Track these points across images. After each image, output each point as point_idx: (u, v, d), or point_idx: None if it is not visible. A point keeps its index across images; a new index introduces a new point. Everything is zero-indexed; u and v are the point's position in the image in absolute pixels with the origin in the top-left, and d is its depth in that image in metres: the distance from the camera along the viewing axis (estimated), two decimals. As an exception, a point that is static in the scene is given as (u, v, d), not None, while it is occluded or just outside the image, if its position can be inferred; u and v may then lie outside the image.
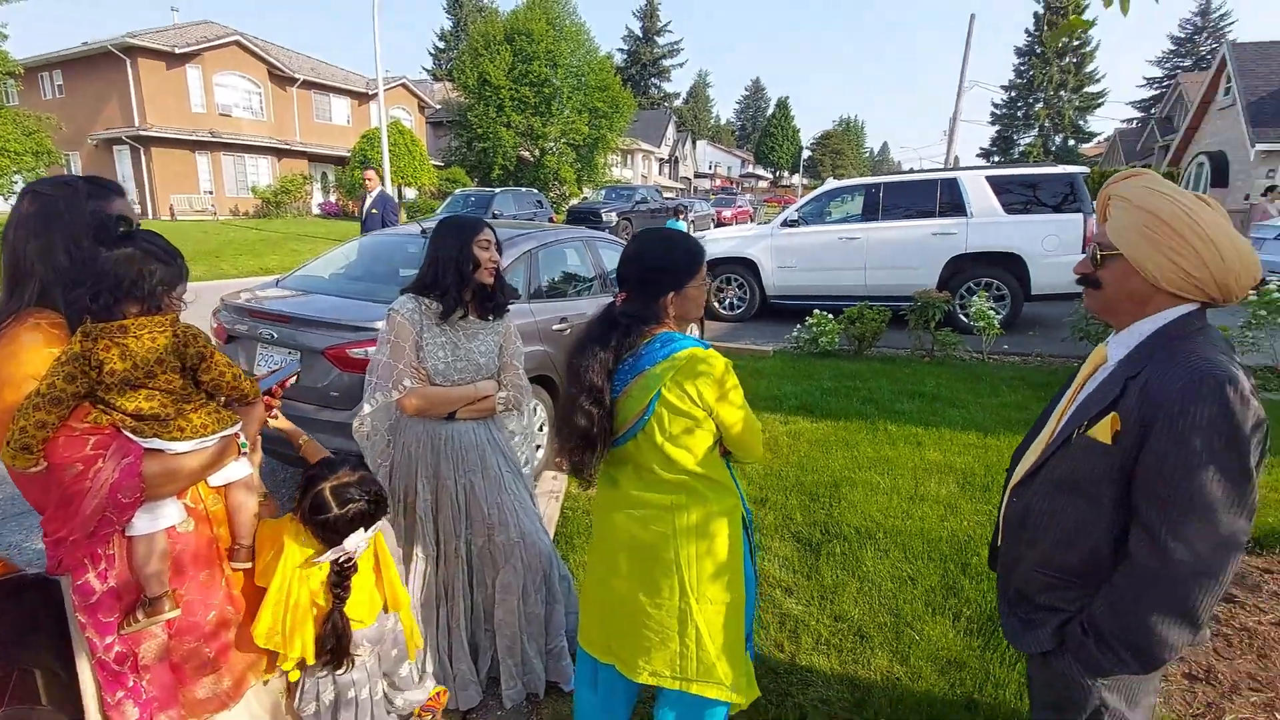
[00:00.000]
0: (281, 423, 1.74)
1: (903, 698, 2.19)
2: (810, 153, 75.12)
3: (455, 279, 2.03)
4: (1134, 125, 40.42)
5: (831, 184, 9.25)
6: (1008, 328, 7.31)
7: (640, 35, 60.56)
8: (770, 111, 75.01)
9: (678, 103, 64.85)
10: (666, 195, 27.39)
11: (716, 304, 9.28)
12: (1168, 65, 45.71)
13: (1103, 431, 1.17)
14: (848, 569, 2.93)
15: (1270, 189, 13.48)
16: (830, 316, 6.91)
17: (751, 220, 26.02)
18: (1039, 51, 40.87)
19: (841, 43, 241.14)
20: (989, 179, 8.12)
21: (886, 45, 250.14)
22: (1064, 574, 1.26)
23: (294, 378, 1.85)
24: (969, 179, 8.16)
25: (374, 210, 8.35)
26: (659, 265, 1.58)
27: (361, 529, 1.51)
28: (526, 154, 29.96)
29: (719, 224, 24.48)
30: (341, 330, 3.19)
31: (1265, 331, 5.66)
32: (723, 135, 78.05)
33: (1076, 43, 40.39)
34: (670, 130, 52.54)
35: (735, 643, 1.60)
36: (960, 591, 2.74)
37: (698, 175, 58.54)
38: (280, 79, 26.70)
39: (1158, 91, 43.67)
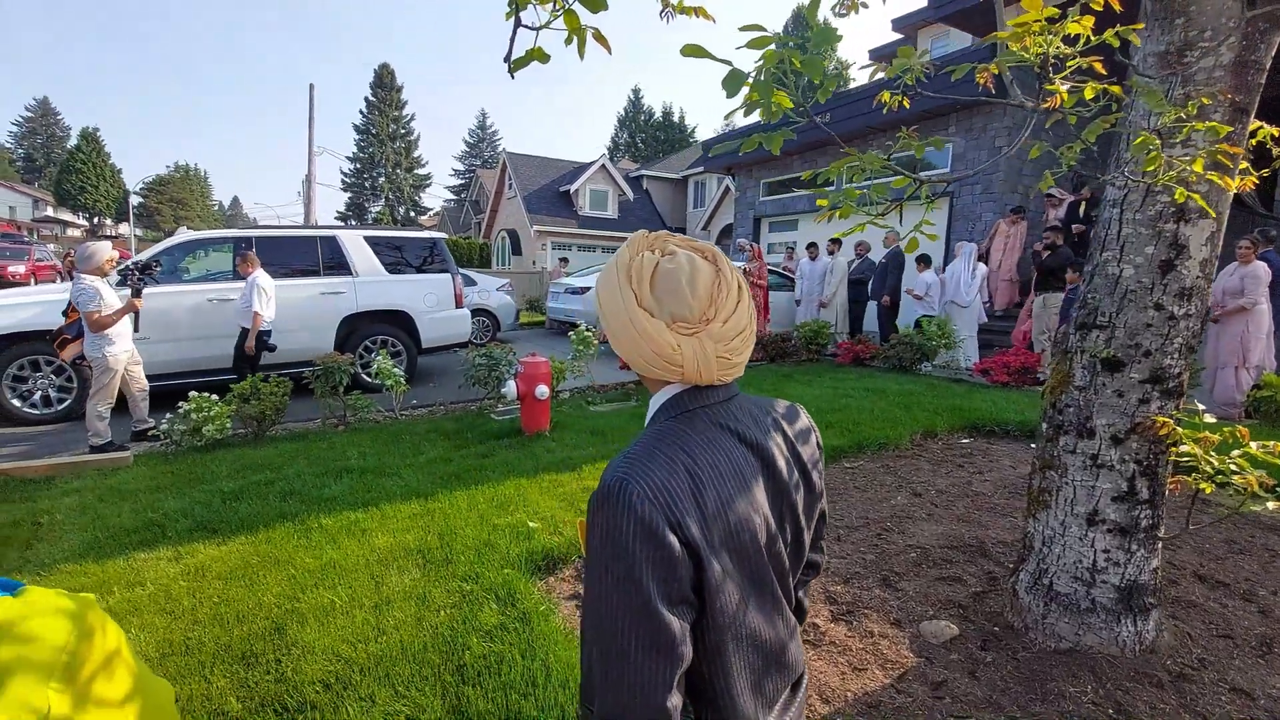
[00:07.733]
0: None
1: None
2: (142, 199, 61.09)
3: None
4: (453, 205, 48.52)
5: (186, 234, 7.28)
6: (408, 383, 7.24)
7: None
8: (74, 143, 57.50)
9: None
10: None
11: (17, 401, 6.07)
12: (468, 161, 56.89)
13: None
14: (329, 757, 2.03)
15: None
16: (215, 398, 5.31)
17: (64, 278, 18.79)
18: (373, 131, 44.41)
19: (170, 80, 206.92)
20: (366, 239, 7.90)
21: (229, 97, 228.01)
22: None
23: None
24: (349, 238, 7.74)
25: None
26: None
27: None
28: None
29: (2, 282, 16.87)
30: None
31: (584, 361, 7.23)
32: (-5, 165, 56.13)
33: (404, 130, 45.66)
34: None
35: None
36: (469, 711, 2.22)
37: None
38: None
39: (465, 181, 53.78)
